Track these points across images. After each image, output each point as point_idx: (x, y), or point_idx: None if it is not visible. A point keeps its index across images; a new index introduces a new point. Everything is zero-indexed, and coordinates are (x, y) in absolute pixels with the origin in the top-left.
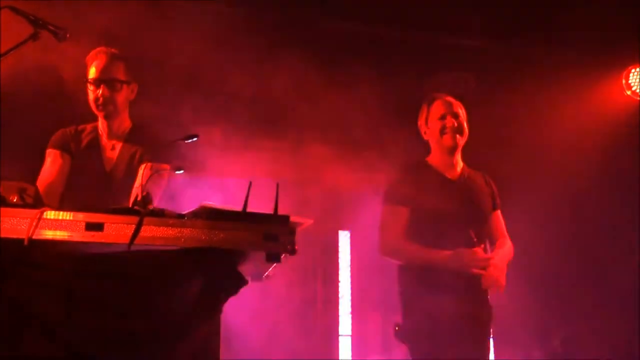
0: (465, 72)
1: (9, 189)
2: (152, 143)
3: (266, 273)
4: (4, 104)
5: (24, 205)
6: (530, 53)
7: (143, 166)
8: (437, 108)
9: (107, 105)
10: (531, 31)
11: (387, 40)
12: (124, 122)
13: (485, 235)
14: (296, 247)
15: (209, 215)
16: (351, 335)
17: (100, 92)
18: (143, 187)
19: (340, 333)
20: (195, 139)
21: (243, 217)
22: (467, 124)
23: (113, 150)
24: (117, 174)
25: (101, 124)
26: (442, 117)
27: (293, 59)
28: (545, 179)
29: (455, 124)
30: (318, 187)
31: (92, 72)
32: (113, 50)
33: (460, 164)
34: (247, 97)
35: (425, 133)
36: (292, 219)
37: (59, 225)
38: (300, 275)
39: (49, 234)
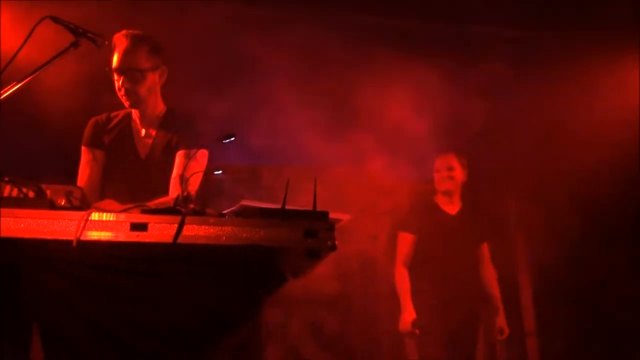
0: (500, 62)
1: (57, 192)
2: (187, 128)
3: (307, 271)
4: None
5: (71, 207)
6: (562, 38)
7: (179, 154)
8: (438, 163)
9: (130, 96)
10: (563, 15)
11: (419, 32)
12: (157, 107)
13: (474, 258)
14: (336, 243)
15: (249, 214)
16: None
17: (121, 83)
18: (181, 176)
19: (381, 329)
20: (232, 138)
21: (283, 214)
22: (464, 170)
23: (148, 137)
24: (153, 160)
25: (134, 111)
26: (438, 170)
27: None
28: (585, 165)
29: (445, 175)
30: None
31: (115, 60)
32: (135, 32)
33: (459, 204)
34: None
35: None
36: (331, 215)
37: (104, 226)
38: (340, 270)
39: (96, 235)
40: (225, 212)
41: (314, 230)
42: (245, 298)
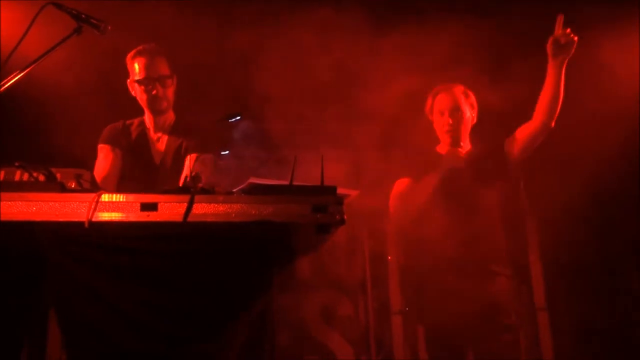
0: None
1: (67, 175)
2: (195, 134)
3: (317, 247)
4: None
5: (82, 190)
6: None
7: (189, 157)
8: (439, 103)
9: (162, 102)
10: None
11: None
12: (170, 116)
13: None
14: (345, 217)
15: (258, 191)
16: (402, 313)
17: (156, 91)
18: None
19: (392, 310)
20: (238, 117)
21: (291, 190)
22: (474, 110)
23: (159, 142)
24: (165, 165)
25: (148, 119)
26: (442, 113)
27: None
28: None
29: (451, 123)
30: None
31: (139, 72)
32: (152, 45)
33: (467, 148)
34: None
35: (431, 123)
36: (339, 190)
37: (115, 207)
38: (349, 252)
39: (107, 216)
40: (234, 190)
41: (323, 205)
42: (256, 275)
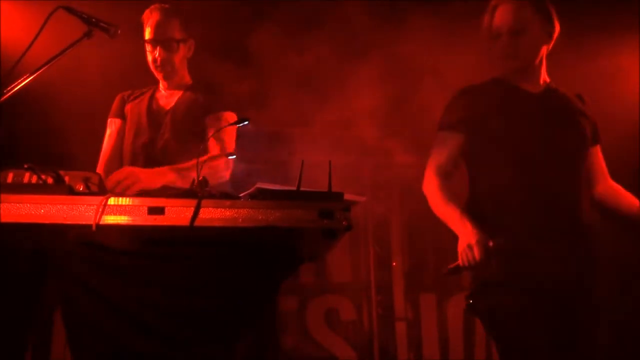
0: None
1: (75, 178)
2: (214, 94)
3: (323, 253)
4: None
5: (89, 193)
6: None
7: (210, 117)
8: (498, 20)
9: (165, 67)
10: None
11: None
12: (184, 79)
13: (574, 176)
14: (351, 223)
15: (265, 196)
16: (407, 319)
17: (157, 53)
18: (215, 136)
19: (396, 316)
20: (246, 122)
21: (298, 196)
22: (551, 25)
23: (171, 96)
24: (178, 114)
25: (161, 83)
26: (498, 36)
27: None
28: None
29: (510, 51)
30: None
31: (148, 32)
32: (166, 6)
33: (544, 77)
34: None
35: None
36: (346, 196)
37: (122, 211)
38: (354, 258)
39: (114, 219)
40: (241, 195)
41: (329, 211)
42: (261, 280)
